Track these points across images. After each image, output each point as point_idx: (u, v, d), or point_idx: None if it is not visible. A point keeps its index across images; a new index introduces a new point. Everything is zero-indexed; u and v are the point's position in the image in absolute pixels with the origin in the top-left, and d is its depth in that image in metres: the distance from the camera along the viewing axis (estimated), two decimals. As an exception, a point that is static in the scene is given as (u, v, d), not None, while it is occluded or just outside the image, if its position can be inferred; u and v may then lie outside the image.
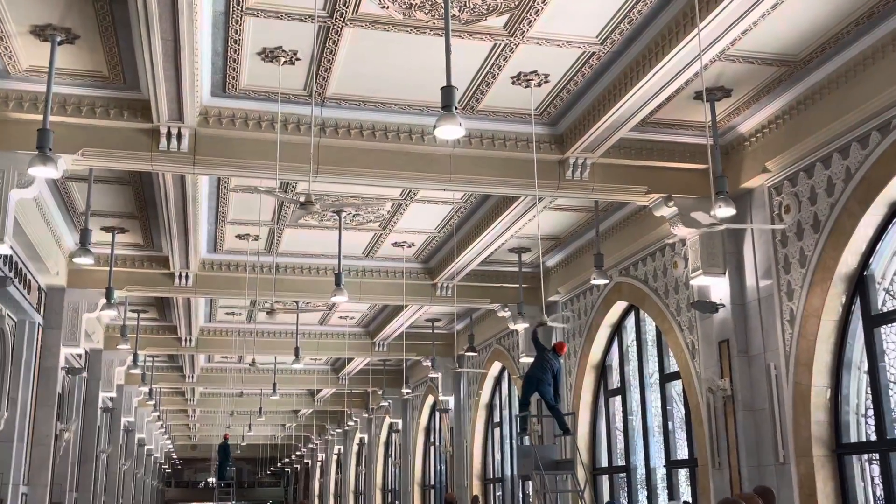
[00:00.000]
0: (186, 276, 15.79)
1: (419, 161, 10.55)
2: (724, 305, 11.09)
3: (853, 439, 9.69)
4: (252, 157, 10.11)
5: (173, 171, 10.31)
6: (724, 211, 9.49)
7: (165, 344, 22.05)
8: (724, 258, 11.18)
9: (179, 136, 9.82)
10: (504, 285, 16.97)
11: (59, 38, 8.49)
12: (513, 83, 9.65)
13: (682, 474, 13.33)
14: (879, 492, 9.48)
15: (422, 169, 10.57)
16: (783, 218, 10.38)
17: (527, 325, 15.92)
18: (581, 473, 13.54)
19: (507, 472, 20.63)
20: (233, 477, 32.53)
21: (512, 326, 17.49)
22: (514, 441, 20.27)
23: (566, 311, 16.55)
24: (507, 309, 17.23)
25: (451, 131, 7.38)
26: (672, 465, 13.30)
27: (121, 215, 13.78)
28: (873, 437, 9.52)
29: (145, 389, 25.31)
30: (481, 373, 20.33)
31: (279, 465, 61.23)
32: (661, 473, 13.96)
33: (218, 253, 15.86)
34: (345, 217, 13.94)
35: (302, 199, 11.11)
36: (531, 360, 16.96)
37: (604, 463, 15.72)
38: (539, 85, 9.70)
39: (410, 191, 12.80)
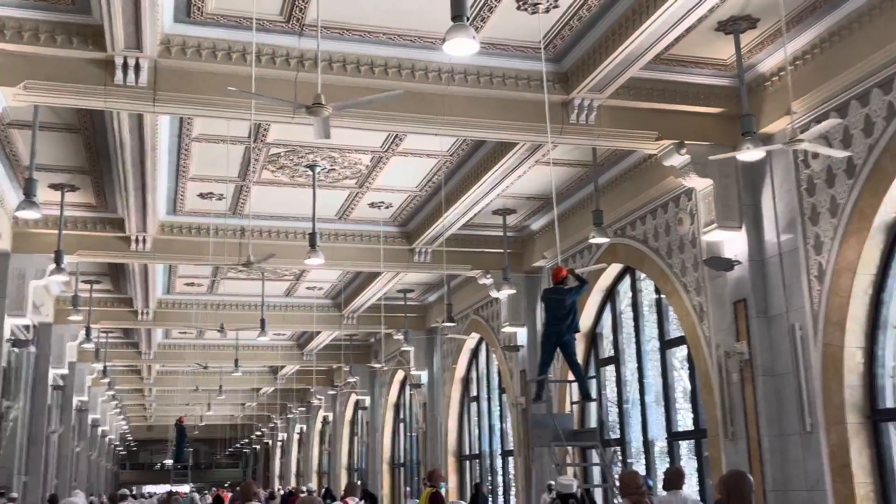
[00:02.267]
0: (143, 241, 14.50)
1: (409, 101, 9.39)
2: (739, 262, 10.17)
3: (889, 405, 8.83)
4: (221, 94, 8.90)
5: (130, 109, 9.06)
6: (753, 154, 8.56)
7: (120, 317, 20.66)
8: (741, 211, 10.25)
9: (137, 67, 8.59)
10: (486, 250, 15.92)
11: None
12: (518, 7, 8.56)
13: (685, 447, 12.47)
14: (919, 461, 8.66)
15: (412, 109, 9.45)
16: (809, 164, 9.45)
17: (512, 290, 14.95)
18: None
19: (486, 447, 19.69)
20: (188, 459, 31.36)
21: (494, 294, 16.52)
22: (491, 415, 19.34)
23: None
24: (489, 276, 16.21)
25: (462, 45, 6.35)
26: (674, 437, 12.41)
27: (71, 170, 12.47)
28: (913, 402, 8.69)
29: (99, 367, 23.94)
30: (460, 339, 19.19)
31: (238, 445, 59.92)
32: (659, 446, 13.10)
33: (178, 214, 14.59)
34: (319, 172, 12.77)
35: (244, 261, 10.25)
36: (515, 328, 16.17)
37: (594, 436, 14.80)
38: (547, 11, 8.63)
39: (393, 140, 11.67)
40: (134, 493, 33.89)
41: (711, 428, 10.87)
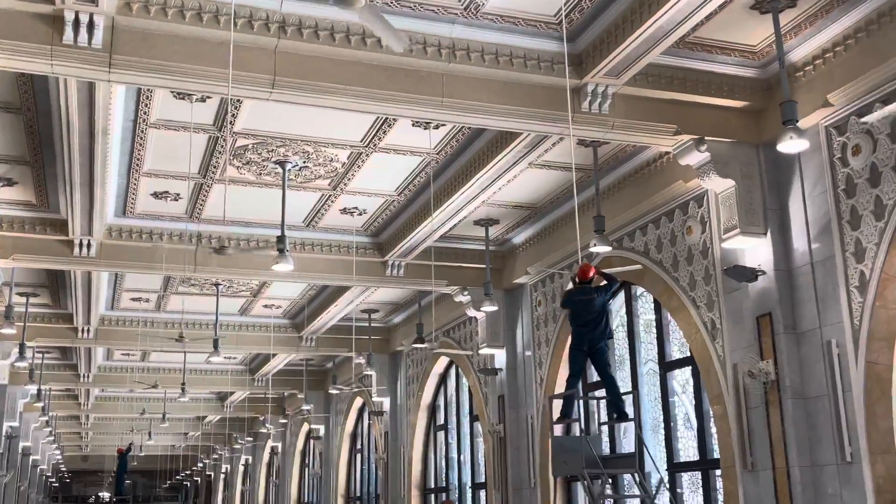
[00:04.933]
0: (88, 245, 13.06)
1: (405, 79, 8.30)
2: (764, 272, 9.15)
3: (944, 431, 7.85)
4: (187, 61, 7.69)
5: (80, 76, 7.74)
6: (796, 144, 7.57)
7: (58, 334, 19.01)
8: (766, 216, 9.26)
9: (91, 25, 7.32)
10: (463, 265, 14.75)
11: None
12: (535, -28, 7.51)
13: (687, 479, 11.36)
14: (979, 496, 7.65)
15: (407, 89, 8.31)
16: (848, 162, 8.50)
17: (494, 307, 13.78)
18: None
19: (454, 480, 18.37)
20: (130, 491, 29.53)
21: (471, 313, 15.35)
22: (461, 446, 18.05)
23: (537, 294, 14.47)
24: (466, 293, 15.04)
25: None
26: (676, 468, 11.30)
27: (7, 160, 11.06)
28: (971, 429, 7.70)
29: (32, 389, 22.09)
30: (438, 352, 17.60)
31: (178, 477, 57.39)
32: (655, 479, 11.95)
33: (128, 217, 13.17)
34: (290, 170, 11.53)
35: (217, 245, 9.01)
36: (494, 350, 14.99)
37: (579, 468, 13.63)
38: (567, -23, 7.59)
39: (376, 133, 10.49)
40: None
41: (725, 458, 9.79)
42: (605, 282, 9.03)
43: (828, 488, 8.41)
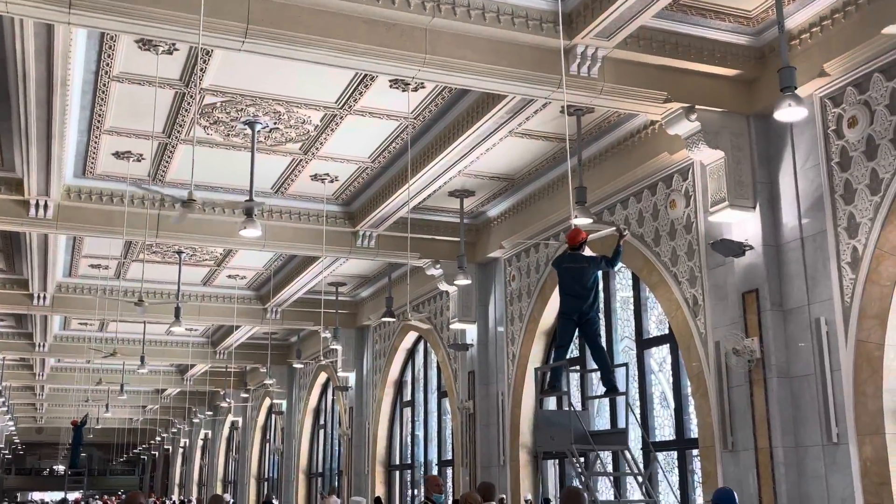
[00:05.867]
0: (45, 206, 12.46)
1: (386, 33, 7.84)
2: (751, 247, 8.87)
3: (934, 412, 7.64)
4: (155, 4, 7.17)
5: (38, 16, 7.16)
6: (794, 112, 7.25)
7: (13, 301, 18.32)
8: (755, 189, 8.97)
9: (50, -39, 6.78)
10: (436, 237, 14.34)
11: None
12: (531, -81, 7.09)
13: (662, 459, 11.09)
14: (968, 479, 7.46)
15: (388, 43, 7.86)
16: (844, 134, 8.22)
17: (468, 281, 13.41)
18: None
19: (420, 457, 18.06)
20: (85, 464, 28.91)
21: (443, 287, 14.99)
22: (428, 422, 17.72)
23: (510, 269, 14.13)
24: (438, 266, 14.66)
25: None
26: (651, 447, 11.02)
27: (-40, 113, 10.44)
28: (962, 410, 7.50)
29: (-15, 358, 21.43)
30: (421, 326, 17.07)
31: (135, 451, 56.57)
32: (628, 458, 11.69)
33: (88, 178, 12.59)
34: (259, 132, 11.03)
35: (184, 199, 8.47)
36: (465, 325, 14.65)
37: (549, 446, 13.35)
38: (563, -73, 7.18)
39: (352, 94, 10.03)
40: (20, 500, 31.07)
41: (704, 438, 9.55)
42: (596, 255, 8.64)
43: (811, 469, 8.19)
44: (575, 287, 8.35)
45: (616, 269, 9.34)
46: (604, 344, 9.73)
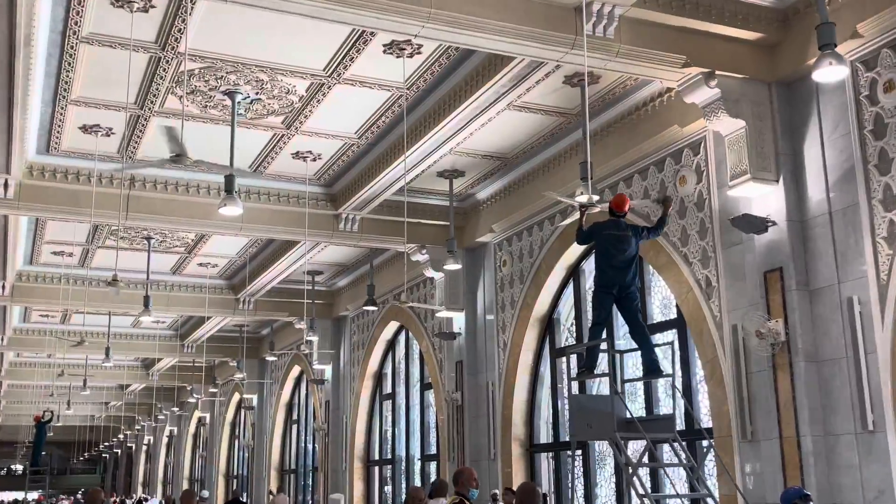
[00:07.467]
0: (6, 185, 11.59)
1: (388, -16, 7.15)
2: (774, 223, 8.30)
3: (979, 398, 7.12)
4: (134, -54, 6.41)
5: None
6: (835, 71, 6.67)
7: (-30, 291, 17.35)
8: (778, 161, 8.40)
9: None
10: (422, 221, 13.65)
11: None
12: None
13: (667, 451, 10.50)
14: None
15: (390, -4, 7.16)
16: (878, 99, 7.67)
17: (458, 266, 12.74)
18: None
19: (401, 451, 17.36)
20: (47, 463, 27.92)
21: (429, 273, 14.32)
22: (410, 415, 17.02)
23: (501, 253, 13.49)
24: (424, 251, 13.98)
25: None
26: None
27: (-90, 78, 9.53)
28: None
29: (-60, 352, 20.35)
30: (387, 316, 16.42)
31: (96, 449, 55.18)
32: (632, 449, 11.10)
33: (52, 154, 11.73)
34: (240, 103, 10.27)
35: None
36: (453, 313, 13.99)
37: (543, 438, 12.78)
38: None
39: (342, 61, 9.30)
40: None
41: (720, 427, 8.99)
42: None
43: (843, 459, 7.64)
44: (618, 257, 7.70)
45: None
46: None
